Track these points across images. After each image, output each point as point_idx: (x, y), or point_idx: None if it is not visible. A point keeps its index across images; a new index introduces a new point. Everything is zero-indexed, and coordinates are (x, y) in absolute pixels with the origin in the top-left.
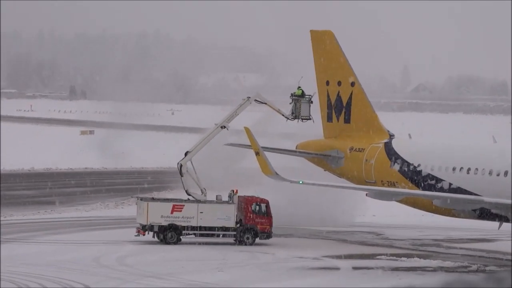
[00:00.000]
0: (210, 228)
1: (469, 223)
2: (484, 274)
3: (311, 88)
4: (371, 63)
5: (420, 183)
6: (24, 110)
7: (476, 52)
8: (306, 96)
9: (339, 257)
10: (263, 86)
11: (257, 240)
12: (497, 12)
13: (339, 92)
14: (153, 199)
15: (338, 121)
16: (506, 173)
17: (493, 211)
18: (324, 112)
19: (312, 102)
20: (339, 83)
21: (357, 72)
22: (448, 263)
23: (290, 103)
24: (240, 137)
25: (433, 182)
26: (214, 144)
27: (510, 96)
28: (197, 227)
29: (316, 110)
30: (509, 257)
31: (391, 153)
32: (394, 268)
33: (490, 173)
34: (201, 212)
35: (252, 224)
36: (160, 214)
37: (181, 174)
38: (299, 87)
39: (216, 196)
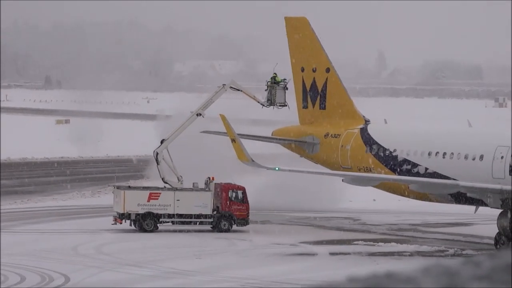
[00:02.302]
0: (187, 216)
1: (445, 207)
2: (461, 258)
3: (286, 75)
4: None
5: (396, 168)
6: None
7: (451, 37)
8: (281, 83)
9: (316, 243)
10: (238, 74)
11: (234, 227)
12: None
13: (314, 78)
14: (129, 188)
15: (313, 107)
16: (481, 157)
17: (469, 195)
18: (300, 98)
19: (287, 88)
20: (314, 70)
21: (332, 59)
22: (425, 248)
23: (265, 90)
24: (216, 124)
25: (409, 167)
26: (190, 132)
27: (484, 81)
28: (174, 214)
29: (292, 96)
30: (485, 240)
31: (366, 139)
32: (371, 253)
33: (466, 157)
34: (178, 200)
35: (229, 211)
36: (137, 202)
37: (157, 162)
38: (275, 73)
39: (193, 183)
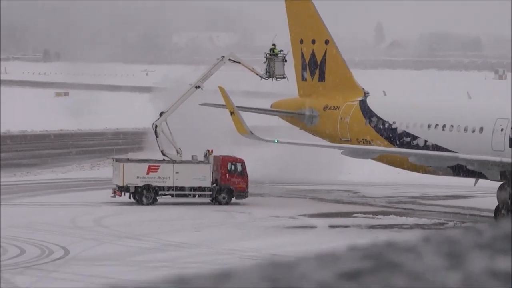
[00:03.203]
0: (186, 188)
1: (444, 180)
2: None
3: (285, 47)
4: (344, 21)
5: (395, 141)
6: None
7: (450, 8)
8: (280, 55)
9: (315, 215)
10: (236, 45)
11: (233, 199)
12: None
13: (313, 50)
14: (128, 160)
15: (312, 79)
16: (481, 130)
17: (469, 167)
18: (299, 70)
19: (286, 60)
20: (313, 42)
21: (331, 31)
22: (424, 220)
23: (264, 62)
24: (215, 97)
25: (408, 139)
26: (189, 104)
27: (483, 53)
28: (173, 187)
29: (291, 68)
30: (485, 213)
31: (366, 111)
32: (371, 226)
33: (466, 129)
34: (176, 173)
35: (228, 184)
36: (135, 175)
37: (156, 134)
38: (274, 44)
39: (192, 156)
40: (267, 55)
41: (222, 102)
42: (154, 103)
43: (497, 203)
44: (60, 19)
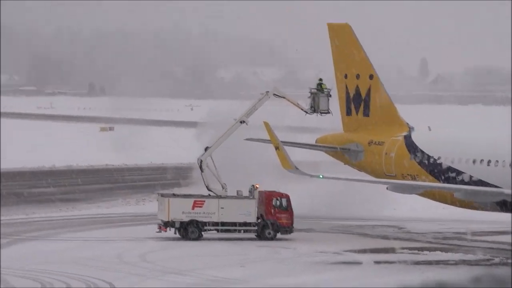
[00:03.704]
0: (231, 224)
1: (490, 215)
2: (508, 267)
3: (329, 82)
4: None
5: (440, 176)
6: (44, 108)
7: (495, 42)
8: (325, 90)
9: (360, 251)
10: (281, 80)
11: (278, 235)
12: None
13: (357, 85)
14: (174, 195)
15: (357, 114)
16: None
17: None
18: (343, 105)
19: (330, 95)
20: (358, 76)
21: (375, 65)
22: (470, 256)
23: (308, 97)
24: (259, 132)
25: (453, 174)
26: (234, 139)
27: None
28: (218, 222)
29: (335, 103)
30: None
31: (411, 146)
32: (416, 262)
33: (511, 165)
34: (222, 208)
35: (273, 219)
36: (181, 210)
37: (201, 169)
38: (320, 79)
39: (237, 191)
40: (312, 90)
41: (267, 137)
42: (199, 138)
43: None
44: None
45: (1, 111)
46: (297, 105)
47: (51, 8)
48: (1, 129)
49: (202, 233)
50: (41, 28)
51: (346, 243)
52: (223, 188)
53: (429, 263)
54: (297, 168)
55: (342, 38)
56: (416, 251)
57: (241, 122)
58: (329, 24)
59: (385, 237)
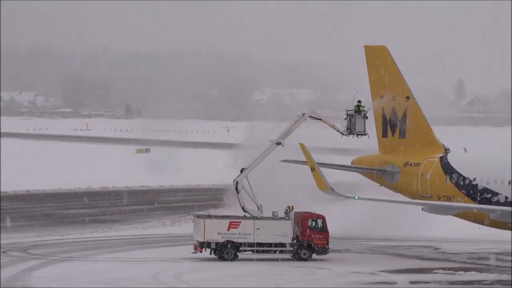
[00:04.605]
0: (267, 244)
1: None
2: None
3: (365, 103)
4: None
5: (476, 197)
6: (80, 129)
7: None
8: (362, 112)
9: (396, 271)
10: (317, 102)
11: (314, 255)
12: None
13: (394, 106)
14: (209, 216)
15: (393, 136)
16: None
17: None
18: (379, 127)
19: (367, 117)
20: (394, 98)
21: (411, 86)
22: (505, 277)
23: (345, 119)
24: (295, 153)
25: (489, 195)
26: (270, 161)
27: None
28: (254, 243)
29: (371, 125)
30: None
31: (446, 168)
32: (451, 282)
33: None
34: (257, 229)
35: (309, 240)
36: (217, 231)
37: (237, 191)
38: (359, 101)
39: (273, 212)
40: (349, 112)
41: (303, 158)
42: (235, 159)
43: None
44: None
45: (39, 132)
46: (333, 127)
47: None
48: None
49: (238, 254)
50: (77, 49)
51: (381, 263)
52: (258, 209)
53: (464, 283)
54: (333, 189)
55: (379, 60)
56: (451, 272)
57: (277, 143)
58: (366, 46)
59: (420, 258)
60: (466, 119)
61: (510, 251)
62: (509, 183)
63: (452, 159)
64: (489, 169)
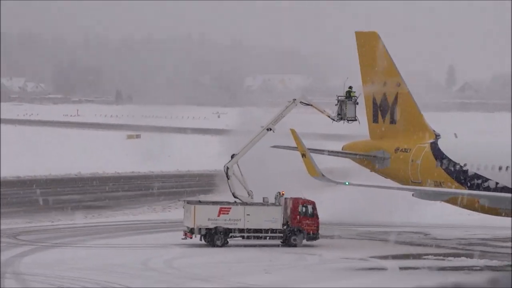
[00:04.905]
0: (257, 230)
1: None
2: None
3: (356, 89)
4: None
5: (466, 183)
6: (71, 115)
7: None
8: (352, 98)
9: (386, 257)
10: (308, 88)
11: (304, 241)
12: None
13: (384, 93)
14: (200, 202)
15: (384, 121)
16: None
17: None
18: (370, 113)
19: (357, 103)
20: (385, 84)
21: (402, 73)
22: (495, 262)
23: (335, 105)
24: (286, 139)
25: (479, 181)
26: (261, 147)
27: None
28: (244, 229)
29: (362, 111)
30: None
31: (437, 153)
32: (441, 268)
33: None
34: (248, 215)
35: (299, 226)
36: (207, 217)
37: (227, 176)
38: (350, 87)
39: (263, 198)
40: (339, 97)
41: (294, 144)
42: (225, 145)
43: None
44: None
45: (29, 118)
46: (324, 113)
47: (78, 17)
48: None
49: (228, 240)
50: (68, 35)
51: (372, 249)
52: (249, 195)
53: (454, 269)
54: (323, 175)
55: (370, 46)
56: (441, 257)
57: (268, 129)
58: (357, 32)
59: (410, 243)
60: (457, 105)
61: (510, 237)
62: (506, 169)
63: (442, 145)
64: (480, 155)
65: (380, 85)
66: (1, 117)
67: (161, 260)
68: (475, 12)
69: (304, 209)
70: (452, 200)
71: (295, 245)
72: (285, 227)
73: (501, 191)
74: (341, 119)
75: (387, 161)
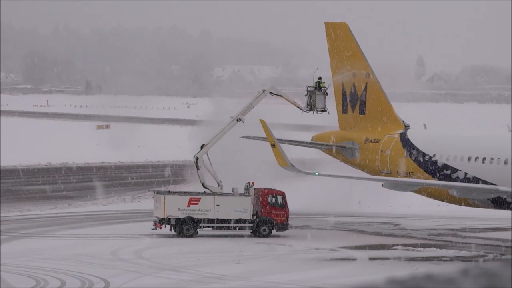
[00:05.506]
0: (227, 221)
1: (485, 212)
2: (501, 261)
3: (326, 80)
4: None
5: (435, 173)
6: (41, 106)
7: (491, 41)
8: (322, 88)
9: (355, 247)
10: (277, 78)
11: (274, 231)
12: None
13: (354, 83)
14: (169, 192)
15: (353, 112)
16: None
17: (509, 200)
18: (339, 103)
19: (327, 94)
20: (354, 75)
21: (371, 63)
22: (464, 253)
23: (305, 95)
24: (256, 130)
25: (448, 172)
26: (230, 137)
27: None
28: (213, 219)
29: (332, 101)
30: None
31: (406, 144)
32: (411, 258)
33: (506, 162)
34: (217, 205)
35: (269, 216)
36: (177, 207)
37: (197, 167)
38: (320, 78)
39: (233, 188)
40: (309, 88)
41: (263, 135)
42: (195, 135)
43: None
44: (102, 51)
45: None
46: (293, 103)
47: (48, 7)
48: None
49: (198, 230)
50: (39, 26)
51: (341, 240)
52: (218, 185)
53: (423, 259)
54: (292, 166)
55: (339, 37)
56: (411, 248)
57: (237, 120)
58: (326, 23)
59: (380, 234)
60: (426, 96)
61: (510, 229)
62: (468, 159)
63: (412, 135)
64: (448, 145)
65: (350, 76)
66: None
67: (131, 250)
68: (445, 4)
69: (273, 199)
70: (422, 190)
71: (264, 235)
72: (254, 217)
73: (470, 182)
74: (310, 109)
75: (356, 151)
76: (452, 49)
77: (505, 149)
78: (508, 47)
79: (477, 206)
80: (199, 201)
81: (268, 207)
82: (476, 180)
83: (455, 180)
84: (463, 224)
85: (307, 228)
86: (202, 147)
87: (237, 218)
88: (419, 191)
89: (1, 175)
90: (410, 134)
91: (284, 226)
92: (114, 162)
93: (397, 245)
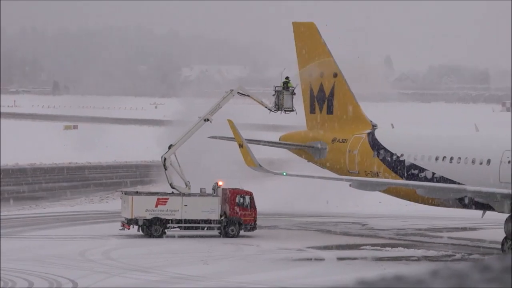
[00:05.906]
0: (195, 221)
1: (452, 212)
2: (470, 262)
3: (293, 79)
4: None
5: (403, 173)
6: (8, 106)
7: (458, 41)
8: (290, 88)
9: (323, 248)
10: (245, 78)
11: (242, 232)
12: (477, 2)
13: (321, 83)
14: (137, 193)
15: (321, 112)
16: (488, 162)
17: (476, 199)
18: (307, 103)
19: (294, 93)
20: (322, 75)
21: (339, 63)
22: (432, 252)
23: (273, 95)
24: (223, 130)
25: (416, 171)
26: (198, 137)
27: (491, 85)
28: (181, 220)
29: (299, 101)
30: (493, 245)
31: (374, 144)
32: (379, 258)
33: (473, 162)
34: (185, 205)
35: (237, 216)
36: (144, 208)
37: (165, 167)
38: (287, 77)
39: (200, 189)
40: (276, 88)
41: (231, 135)
42: (163, 136)
43: (505, 235)
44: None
45: None
46: (261, 103)
47: (15, 7)
48: None
49: (166, 230)
50: (5, 27)
51: (309, 240)
52: (186, 185)
53: (391, 259)
54: (260, 166)
55: (307, 37)
56: (379, 248)
57: (205, 120)
58: (294, 22)
59: (347, 234)
60: (394, 95)
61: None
62: (435, 159)
63: (379, 135)
64: (416, 145)
65: (317, 76)
66: None
67: (99, 251)
68: (413, 4)
69: (241, 199)
70: (389, 190)
71: (232, 236)
72: (222, 217)
73: (438, 182)
74: (278, 109)
75: (324, 151)
76: (419, 49)
77: (473, 149)
78: (474, 46)
79: (445, 206)
80: (167, 201)
81: (236, 207)
82: (443, 179)
83: (423, 179)
84: (431, 224)
85: (275, 228)
86: (169, 147)
87: (205, 218)
88: (386, 191)
89: None
90: (378, 134)
91: (252, 226)
92: (82, 162)
93: (365, 245)
